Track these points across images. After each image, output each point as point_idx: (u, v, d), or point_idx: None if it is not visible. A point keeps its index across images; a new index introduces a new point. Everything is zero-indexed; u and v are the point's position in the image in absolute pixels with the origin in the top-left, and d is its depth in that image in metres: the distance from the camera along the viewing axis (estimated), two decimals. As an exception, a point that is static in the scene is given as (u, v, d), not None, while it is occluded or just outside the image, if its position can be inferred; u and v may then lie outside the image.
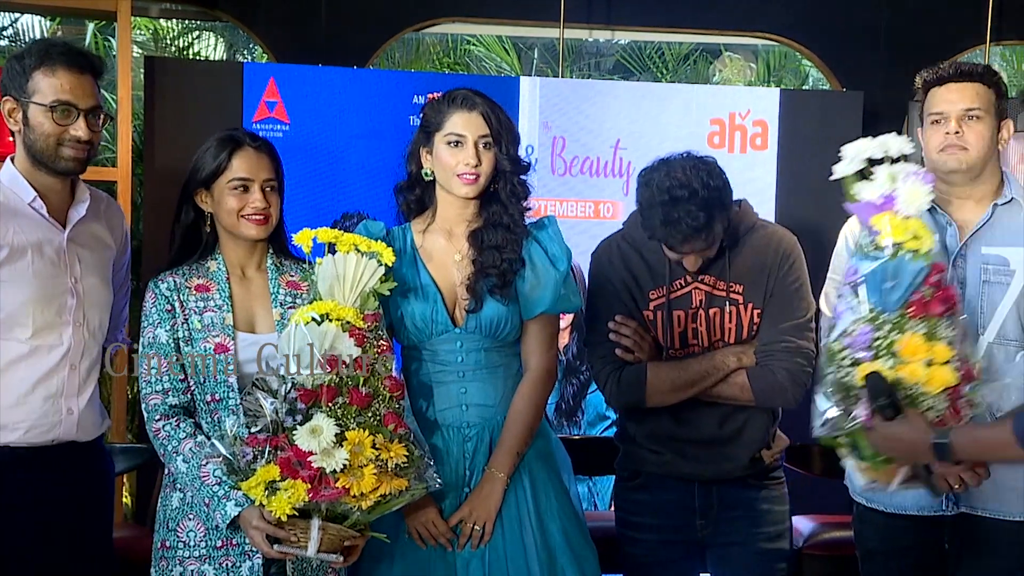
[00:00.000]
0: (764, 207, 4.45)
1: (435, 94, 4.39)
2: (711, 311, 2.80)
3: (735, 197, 2.79)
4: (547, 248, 2.68)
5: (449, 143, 2.62)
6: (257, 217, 2.59)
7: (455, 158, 2.61)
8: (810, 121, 4.59)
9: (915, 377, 2.25)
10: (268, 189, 2.61)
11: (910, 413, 2.26)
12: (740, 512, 2.86)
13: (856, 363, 2.28)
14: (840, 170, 2.37)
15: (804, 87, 7.39)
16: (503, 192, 2.66)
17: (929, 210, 2.74)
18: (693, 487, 2.84)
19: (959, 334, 2.32)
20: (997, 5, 4.79)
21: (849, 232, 2.93)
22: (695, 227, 2.59)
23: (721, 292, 2.79)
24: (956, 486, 2.59)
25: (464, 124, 2.62)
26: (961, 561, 2.81)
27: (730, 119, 4.61)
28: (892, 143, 2.36)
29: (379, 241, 2.53)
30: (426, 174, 2.68)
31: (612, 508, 4.27)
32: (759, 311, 2.79)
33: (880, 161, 2.36)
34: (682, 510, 2.86)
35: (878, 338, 2.27)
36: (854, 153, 2.37)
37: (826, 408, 2.33)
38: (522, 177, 2.69)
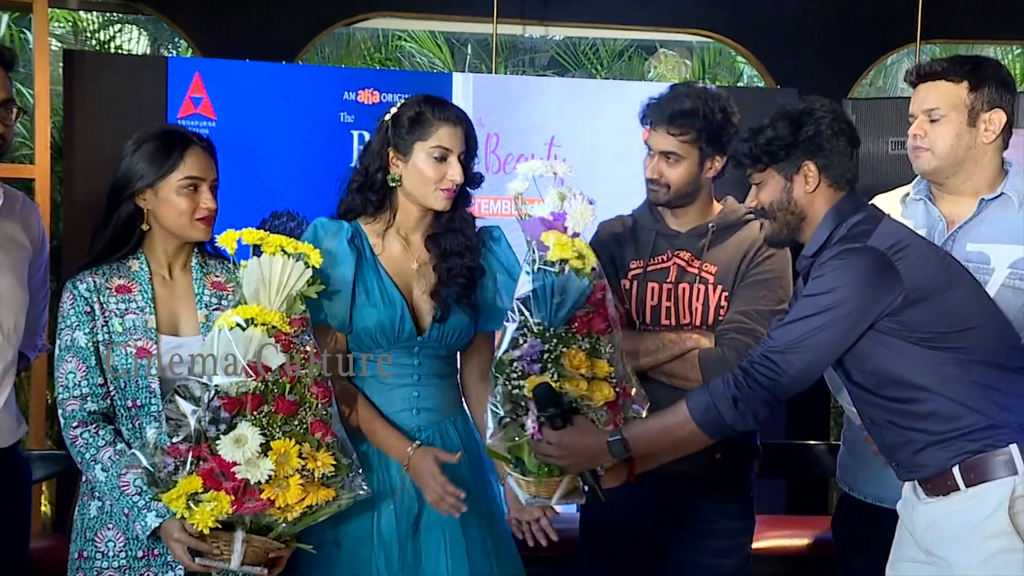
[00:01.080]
0: (699, 205, 4.45)
1: (366, 90, 4.40)
2: (681, 286, 2.84)
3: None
4: (503, 260, 2.71)
5: (435, 156, 2.59)
6: (208, 218, 2.55)
7: (439, 171, 2.59)
8: (744, 118, 4.55)
9: (579, 390, 2.38)
10: (212, 190, 2.57)
11: (578, 420, 2.39)
12: (687, 520, 2.86)
13: (525, 375, 2.38)
14: (514, 188, 2.49)
15: (738, 84, 7.44)
16: (458, 202, 2.67)
17: (922, 204, 2.80)
18: (646, 487, 2.81)
19: (617, 353, 2.47)
20: (927, 4, 4.83)
21: None
22: (674, 107, 2.78)
23: (694, 269, 2.84)
24: None
25: (451, 138, 2.60)
26: None
27: (665, 116, 4.57)
28: (559, 167, 2.50)
29: (344, 240, 2.54)
30: (393, 179, 2.63)
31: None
32: (727, 294, 2.82)
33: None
34: (634, 508, 2.87)
35: (546, 351, 2.37)
36: (525, 171, 2.48)
37: (496, 419, 2.41)
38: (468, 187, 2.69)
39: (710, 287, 2.82)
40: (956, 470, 2.29)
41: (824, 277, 2.31)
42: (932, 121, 2.73)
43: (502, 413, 2.40)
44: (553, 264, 2.42)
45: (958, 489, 2.29)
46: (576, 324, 2.43)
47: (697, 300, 2.82)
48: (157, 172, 2.51)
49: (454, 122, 2.61)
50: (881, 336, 2.29)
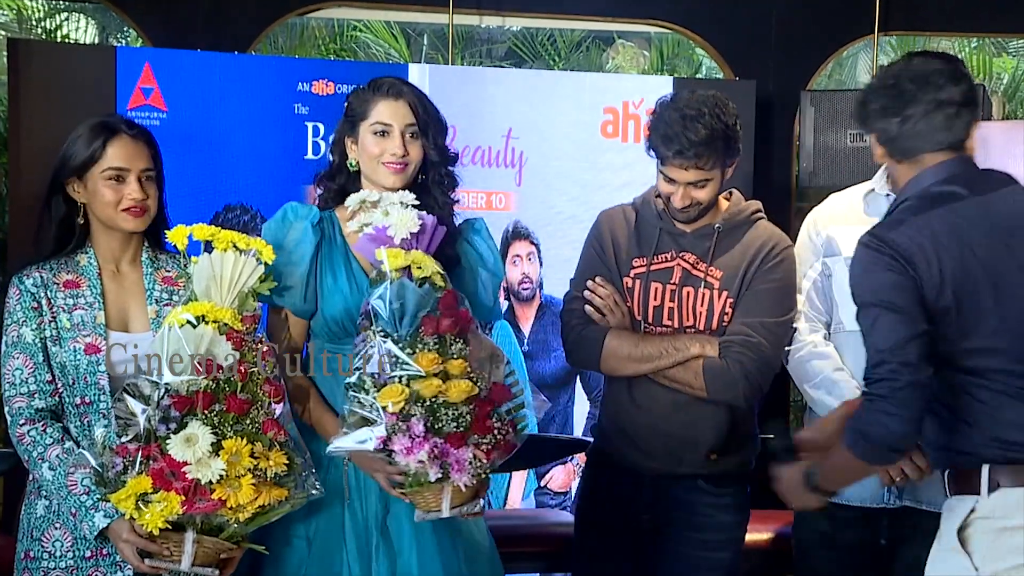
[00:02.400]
0: (658, 197, 4.43)
1: (320, 81, 4.35)
2: (685, 290, 2.81)
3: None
4: (482, 252, 2.68)
5: (375, 132, 2.58)
6: (135, 209, 2.50)
7: (380, 147, 2.58)
8: (704, 110, 4.56)
9: (433, 390, 2.32)
10: (145, 179, 2.51)
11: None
12: (684, 513, 2.85)
13: (378, 385, 2.34)
14: (352, 227, 2.52)
15: (697, 75, 7.45)
16: (432, 185, 2.63)
17: (889, 200, 2.76)
18: (643, 480, 2.84)
19: (486, 355, 2.44)
20: (885, -5, 4.86)
21: (811, 219, 2.95)
22: (692, 140, 2.67)
23: (699, 273, 2.81)
24: (898, 479, 2.69)
25: (391, 113, 2.58)
26: (897, 555, 2.84)
27: (623, 107, 4.58)
28: (389, 197, 2.49)
29: (308, 222, 2.54)
30: (351, 164, 2.63)
31: (505, 506, 4.21)
32: (732, 301, 2.79)
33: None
34: (631, 503, 2.87)
35: (394, 355, 2.35)
36: (356, 199, 2.52)
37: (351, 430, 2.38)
38: (450, 168, 2.66)
39: (715, 292, 2.79)
40: (946, 475, 2.33)
41: None
42: None
43: (364, 414, 2.35)
44: (387, 276, 2.40)
45: (947, 496, 2.33)
46: (424, 327, 2.39)
47: (702, 305, 2.80)
48: (82, 163, 2.48)
49: (394, 96, 2.59)
50: None
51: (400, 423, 2.30)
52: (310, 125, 4.32)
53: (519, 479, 4.51)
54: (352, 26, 7.42)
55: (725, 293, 2.79)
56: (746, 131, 4.52)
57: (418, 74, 4.52)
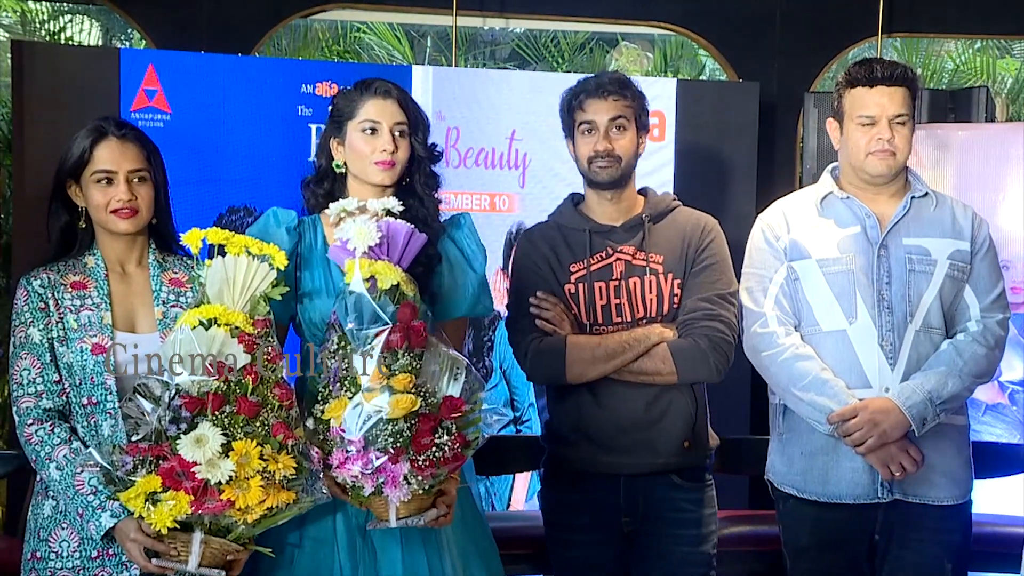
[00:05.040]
0: (662, 198, 4.42)
1: (324, 83, 4.35)
2: (631, 281, 2.83)
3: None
4: (463, 248, 2.68)
5: (364, 130, 2.60)
6: (125, 211, 2.50)
7: (370, 145, 2.59)
8: (707, 112, 4.58)
9: (375, 403, 2.29)
10: (136, 180, 2.52)
11: None
12: (663, 512, 2.85)
13: (333, 396, 2.34)
14: (336, 234, 2.47)
15: (701, 77, 7.44)
16: (419, 185, 2.64)
17: (847, 203, 2.91)
18: (619, 483, 2.84)
19: (443, 367, 2.38)
20: (889, -3, 4.85)
21: (765, 225, 2.97)
22: (614, 78, 2.86)
23: (641, 262, 2.84)
24: (897, 473, 2.75)
25: (379, 111, 2.60)
26: (890, 551, 2.86)
27: (627, 109, 4.55)
28: (373, 204, 2.48)
29: (287, 228, 2.54)
30: (337, 166, 2.64)
31: (508, 507, 4.20)
32: (679, 282, 2.82)
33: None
34: (608, 507, 2.86)
35: (343, 369, 2.35)
36: (336, 208, 2.51)
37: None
38: (432, 168, 2.67)
39: (661, 276, 2.83)
40: None
41: None
42: (898, 124, 2.83)
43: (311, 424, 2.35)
44: (349, 288, 2.38)
45: None
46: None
47: (651, 292, 2.82)
48: (73, 165, 2.51)
49: (382, 95, 2.61)
50: None
51: (340, 436, 2.29)
52: (313, 127, 4.31)
53: (522, 480, 4.49)
54: (355, 28, 7.42)
55: (671, 275, 2.83)
56: (750, 132, 4.60)
57: (421, 76, 4.51)
